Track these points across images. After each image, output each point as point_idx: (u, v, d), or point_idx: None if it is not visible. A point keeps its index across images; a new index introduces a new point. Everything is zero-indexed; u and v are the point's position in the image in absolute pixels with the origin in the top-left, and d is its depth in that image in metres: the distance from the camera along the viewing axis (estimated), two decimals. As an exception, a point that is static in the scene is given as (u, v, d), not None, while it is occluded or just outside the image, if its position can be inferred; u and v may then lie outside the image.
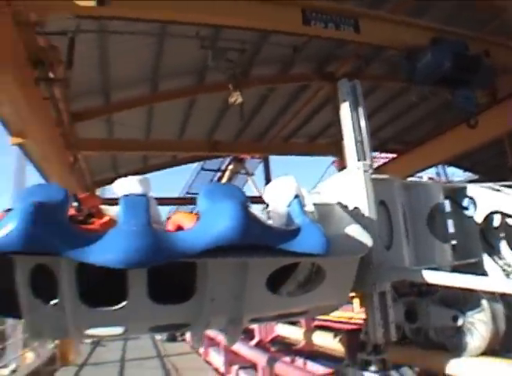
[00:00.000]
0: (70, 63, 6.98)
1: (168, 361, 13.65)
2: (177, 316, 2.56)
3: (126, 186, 2.32)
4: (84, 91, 10.51)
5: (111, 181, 9.26)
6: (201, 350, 13.89)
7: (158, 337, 19.19)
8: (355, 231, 2.71)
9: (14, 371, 13.36)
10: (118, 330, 2.83)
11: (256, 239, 2.18)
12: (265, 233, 2.25)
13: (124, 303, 2.30)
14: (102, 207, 2.62)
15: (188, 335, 17.61)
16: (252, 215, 2.23)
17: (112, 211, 2.49)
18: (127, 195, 2.25)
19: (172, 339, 18.71)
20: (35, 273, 2.21)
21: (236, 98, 9.75)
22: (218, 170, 20.09)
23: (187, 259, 2.21)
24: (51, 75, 6.63)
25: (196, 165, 19.76)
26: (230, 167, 19.69)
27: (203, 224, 2.22)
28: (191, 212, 2.78)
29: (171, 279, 2.42)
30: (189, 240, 2.13)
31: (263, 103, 13.36)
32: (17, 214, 1.97)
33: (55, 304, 2.31)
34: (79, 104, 10.88)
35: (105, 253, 2.00)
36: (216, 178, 19.84)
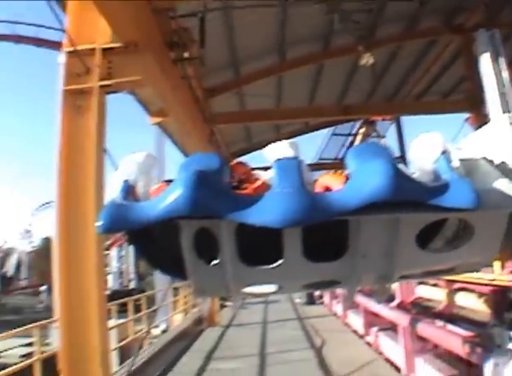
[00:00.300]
0: (202, 41, 7.29)
1: (308, 323, 14.06)
2: (330, 273, 2.66)
3: (277, 150, 2.43)
4: (215, 67, 10.89)
5: (245, 151, 9.67)
6: (340, 313, 14.13)
7: (297, 300, 19.80)
8: (503, 185, 2.62)
9: (164, 331, 14.56)
10: (272, 288, 2.98)
11: (407, 195, 2.20)
12: (416, 189, 2.26)
13: (280, 262, 2.43)
14: (254, 172, 2.77)
15: (326, 299, 18.05)
16: (403, 171, 2.25)
17: (263, 175, 2.62)
18: (279, 159, 2.36)
19: (311, 302, 19.21)
20: (198, 236, 2.40)
21: (367, 59, 9.56)
22: (349, 134, 19.91)
23: (340, 217, 2.27)
24: (186, 55, 6.96)
25: (327, 131, 19.79)
26: (361, 130, 19.41)
27: (354, 183, 2.27)
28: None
29: (322, 238, 2.50)
30: (342, 198, 2.20)
31: (392, 61, 12.94)
32: (182, 182, 2.16)
33: (217, 264, 2.50)
34: (211, 80, 11.31)
35: (263, 214, 2.13)
36: (348, 143, 19.69)
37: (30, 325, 6.77)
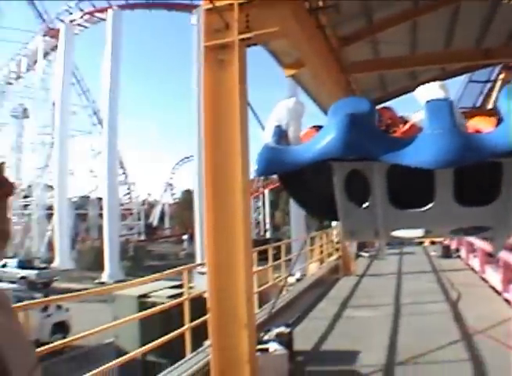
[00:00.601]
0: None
1: (443, 276, 13.76)
2: (480, 218, 2.60)
3: (428, 91, 2.40)
4: (347, 15, 10.65)
5: (381, 100, 9.40)
6: (477, 267, 13.65)
7: (432, 253, 19.36)
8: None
9: (299, 280, 15.00)
10: (419, 232, 2.98)
11: None
12: None
13: (430, 205, 2.42)
14: (403, 115, 2.76)
15: (462, 252, 17.47)
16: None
17: (413, 118, 2.61)
18: (430, 100, 2.33)
19: (446, 256, 18.69)
20: (349, 179, 2.47)
21: (511, -6, 8.83)
22: (487, 81, 18.69)
23: (494, 159, 2.22)
24: (321, 4, 6.92)
25: (463, 78, 18.73)
26: (501, 76, 18.09)
27: (508, 124, 2.20)
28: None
29: (474, 181, 2.45)
30: (495, 139, 2.14)
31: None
32: (335, 125, 2.22)
33: (367, 207, 2.55)
34: (345, 29, 11.09)
35: (416, 155, 2.13)
36: (486, 90, 18.53)
37: (177, 268, 7.36)
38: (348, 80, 11.92)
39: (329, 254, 17.81)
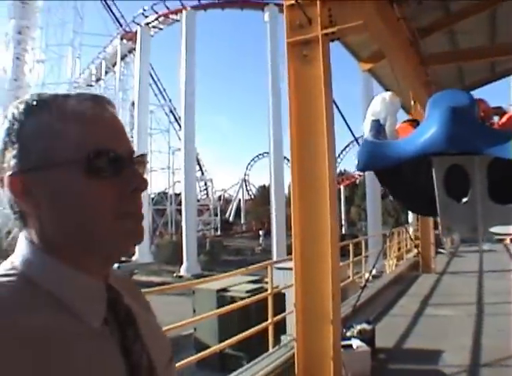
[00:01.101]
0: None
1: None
2: None
3: None
4: (424, 6, 10.38)
5: None
6: None
7: (516, 251, 18.52)
8: None
9: (375, 276, 14.77)
10: (517, 229, 2.88)
11: None
12: None
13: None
14: (502, 106, 2.68)
15: None
16: None
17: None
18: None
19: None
20: (448, 173, 2.42)
21: None
22: None
23: None
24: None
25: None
26: None
27: None
28: None
29: None
30: None
31: None
32: (438, 118, 2.17)
33: (466, 202, 2.49)
34: (422, 20, 10.81)
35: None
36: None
37: (261, 264, 7.45)
38: (427, 72, 11.61)
39: (408, 251, 17.47)
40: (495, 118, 3.32)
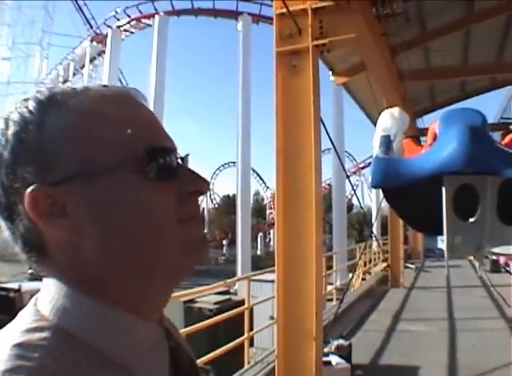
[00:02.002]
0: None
1: (495, 291, 13.32)
2: None
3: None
4: (403, 22, 10.52)
5: (428, 110, 9.28)
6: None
7: (480, 266, 18.79)
8: None
9: (339, 289, 14.86)
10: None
11: None
12: None
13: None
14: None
15: (514, 266, 16.93)
16: None
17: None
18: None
19: (495, 270, 18.14)
20: (456, 193, 2.36)
21: None
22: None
23: None
24: (388, 11, 6.87)
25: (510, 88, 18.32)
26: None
27: None
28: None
29: None
30: None
31: None
32: (455, 137, 2.10)
33: (474, 221, 2.43)
34: (401, 37, 10.95)
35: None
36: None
37: (237, 277, 7.34)
38: (403, 87, 11.80)
39: (375, 265, 17.62)
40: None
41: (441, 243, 2.57)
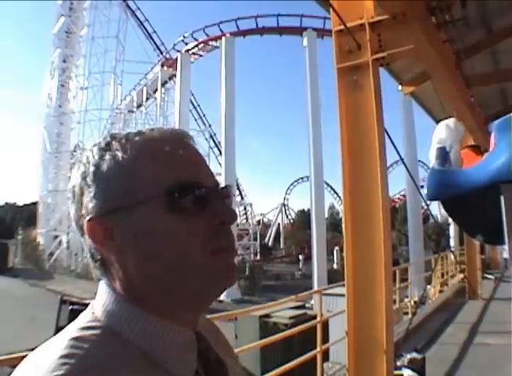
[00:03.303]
0: (464, 1, 6.97)
1: None
2: None
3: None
4: (466, 27, 10.28)
5: (501, 114, 8.91)
6: None
7: None
8: None
9: (415, 302, 14.45)
10: None
11: None
12: None
13: None
14: None
15: None
16: None
17: None
18: None
19: None
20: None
21: None
22: None
23: None
24: (448, 18, 6.76)
25: None
26: None
27: None
28: None
29: None
30: None
31: None
32: (510, 144, 2.11)
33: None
34: (465, 41, 10.70)
35: None
36: None
37: (309, 291, 7.38)
38: (471, 93, 11.48)
39: (452, 276, 17.07)
40: None
41: (505, 252, 2.55)
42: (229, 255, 0.88)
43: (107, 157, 0.86)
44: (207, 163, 0.94)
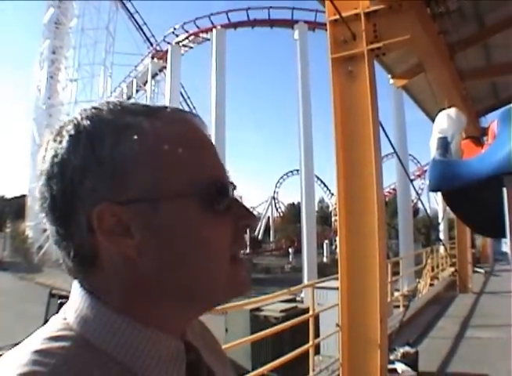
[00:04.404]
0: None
1: None
2: None
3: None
4: (460, 20, 10.25)
5: (492, 108, 8.95)
6: None
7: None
8: None
9: (405, 296, 14.53)
10: None
11: None
12: None
13: None
14: None
15: None
16: None
17: None
18: None
19: None
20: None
21: None
22: None
23: None
24: (443, 9, 6.72)
25: None
26: None
27: None
28: None
29: None
30: None
31: None
32: (507, 139, 2.05)
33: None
34: (459, 34, 10.67)
35: None
36: None
37: (302, 285, 7.34)
38: (464, 86, 11.48)
39: (442, 270, 17.15)
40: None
41: (505, 245, 2.49)
42: (244, 264, 0.79)
43: (129, 133, 0.70)
44: None
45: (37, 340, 0.66)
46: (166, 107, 0.78)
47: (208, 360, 0.82)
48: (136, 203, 0.69)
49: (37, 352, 0.63)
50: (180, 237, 0.71)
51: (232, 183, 0.78)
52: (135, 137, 0.70)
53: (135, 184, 0.69)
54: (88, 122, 0.71)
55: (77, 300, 0.72)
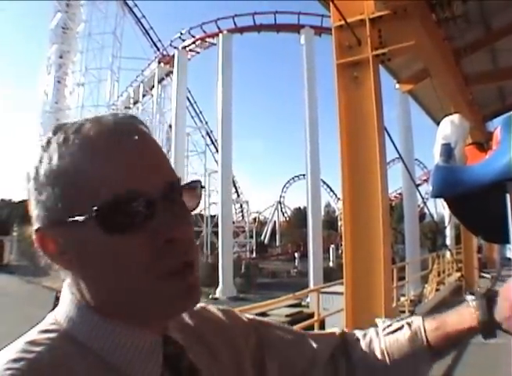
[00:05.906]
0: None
1: None
2: None
3: None
4: (464, 25, 10.24)
5: (498, 113, 8.95)
6: None
7: None
8: None
9: (412, 300, 14.48)
10: None
11: None
12: None
13: None
14: None
15: None
16: None
17: None
18: None
19: None
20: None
21: None
22: None
23: None
24: (448, 15, 6.75)
25: None
26: None
27: None
28: None
29: None
30: None
31: None
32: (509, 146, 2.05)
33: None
34: (465, 39, 10.67)
35: None
36: None
37: (308, 289, 7.35)
38: (470, 91, 11.47)
39: (449, 275, 17.09)
40: None
41: (509, 251, 2.49)
42: (183, 277, 0.75)
43: (45, 159, 0.75)
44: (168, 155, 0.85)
45: (32, 333, 0.77)
46: (101, 117, 0.80)
47: (195, 353, 0.85)
48: (58, 225, 0.74)
49: (27, 342, 0.73)
50: (91, 254, 0.74)
51: (151, 193, 0.73)
52: (47, 161, 0.75)
53: (56, 205, 0.74)
54: (35, 156, 0.79)
55: (64, 300, 0.81)
